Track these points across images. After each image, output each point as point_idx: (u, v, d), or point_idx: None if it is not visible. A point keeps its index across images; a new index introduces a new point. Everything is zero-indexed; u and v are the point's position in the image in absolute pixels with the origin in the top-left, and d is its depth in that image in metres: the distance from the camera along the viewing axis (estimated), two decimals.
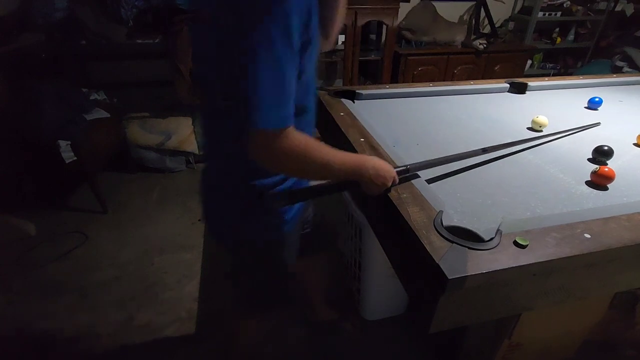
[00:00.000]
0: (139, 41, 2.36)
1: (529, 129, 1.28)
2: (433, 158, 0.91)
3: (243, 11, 0.59)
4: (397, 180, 0.82)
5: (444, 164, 0.93)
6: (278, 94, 0.61)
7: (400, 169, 0.84)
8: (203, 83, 0.77)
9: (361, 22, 2.56)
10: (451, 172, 1.00)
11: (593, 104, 1.47)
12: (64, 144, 1.97)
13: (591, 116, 1.41)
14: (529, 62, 3.51)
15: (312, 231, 1.13)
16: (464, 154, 0.97)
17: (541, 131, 1.26)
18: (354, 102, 1.40)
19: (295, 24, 0.59)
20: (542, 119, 1.24)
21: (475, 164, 1.04)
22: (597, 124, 1.30)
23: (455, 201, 0.86)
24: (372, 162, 0.78)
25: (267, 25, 0.57)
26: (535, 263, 0.64)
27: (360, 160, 0.77)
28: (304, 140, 0.67)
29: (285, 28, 0.58)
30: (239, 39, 0.60)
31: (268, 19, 0.57)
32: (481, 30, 3.16)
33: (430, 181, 0.92)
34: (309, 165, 0.69)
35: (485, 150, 1.00)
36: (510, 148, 1.09)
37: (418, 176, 0.89)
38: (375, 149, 1.01)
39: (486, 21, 3.14)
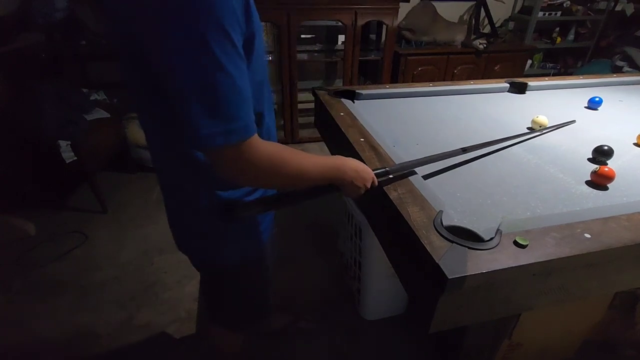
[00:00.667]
0: None
1: (529, 129, 1.28)
2: (413, 159, 0.91)
3: (157, 19, 0.47)
4: (377, 182, 0.80)
5: (423, 165, 0.92)
6: (232, 102, 0.52)
7: (379, 171, 0.82)
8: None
9: (361, 22, 2.56)
10: (451, 172, 1.00)
11: (593, 104, 1.47)
12: (64, 144, 1.97)
13: (591, 116, 1.41)
14: (529, 62, 3.51)
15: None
16: (443, 154, 0.96)
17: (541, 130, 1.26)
18: (353, 102, 1.40)
19: (229, 15, 0.49)
20: (542, 118, 1.25)
21: (475, 164, 1.05)
22: (572, 121, 1.31)
23: (455, 201, 0.86)
24: (351, 163, 0.75)
25: (193, 27, 0.47)
26: (535, 263, 0.64)
27: (338, 162, 0.73)
28: (273, 148, 0.60)
29: (217, 22, 0.47)
30: (165, 51, 0.49)
31: (191, 19, 0.46)
32: (481, 30, 3.17)
33: (430, 181, 0.92)
34: (284, 174, 0.63)
35: (465, 150, 0.99)
36: (494, 146, 1.10)
37: (396, 179, 0.88)
38: (375, 149, 1.01)
39: (486, 21, 3.14)
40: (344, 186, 0.75)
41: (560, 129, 1.28)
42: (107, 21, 0.57)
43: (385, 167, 0.84)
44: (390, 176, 0.85)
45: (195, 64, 0.49)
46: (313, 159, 0.68)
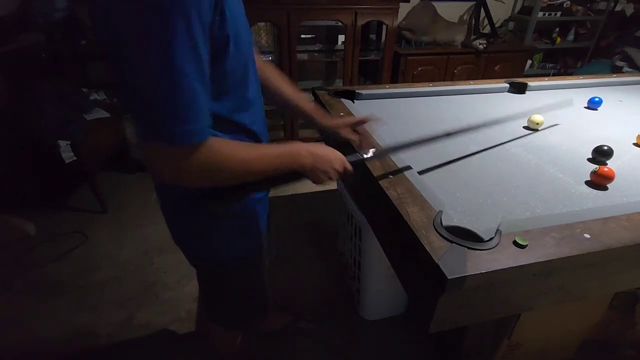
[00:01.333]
0: None
1: (525, 127, 1.28)
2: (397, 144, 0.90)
3: (124, 17, 0.49)
4: (350, 168, 0.79)
5: (406, 148, 0.90)
6: (180, 105, 0.52)
7: (352, 156, 0.80)
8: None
9: (361, 22, 2.56)
10: (451, 172, 1.00)
11: (593, 104, 1.47)
12: (64, 144, 1.97)
13: (591, 116, 1.41)
14: (529, 62, 3.51)
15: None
16: (426, 138, 0.91)
17: (538, 129, 1.26)
18: (353, 102, 1.40)
19: (194, 21, 0.49)
20: (537, 117, 1.25)
21: (475, 164, 1.05)
22: (570, 100, 1.31)
23: (455, 201, 0.86)
24: (306, 148, 0.73)
25: (155, 28, 0.48)
26: (535, 263, 0.64)
27: (293, 150, 0.72)
28: (217, 149, 0.59)
29: (178, 27, 0.48)
30: (128, 48, 0.51)
31: (152, 20, 0.48)
32: (481, 30, 3.17)
33: (429, 181, 0.92)
34: (228, 173, 0.63)
35: (449, 135, 0.95)
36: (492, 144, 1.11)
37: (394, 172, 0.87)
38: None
39: (486, 21, 3.14)
40: (306, 172, 0.74)
41: (559, 126, 1.28)
42: (92, 19, 0.57)
43: (360, 154, 0.82)
44: (367, 156, 0.83)
45: (152, 57, 0.50)
46: (267, 150, 0.68)
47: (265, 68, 0.89)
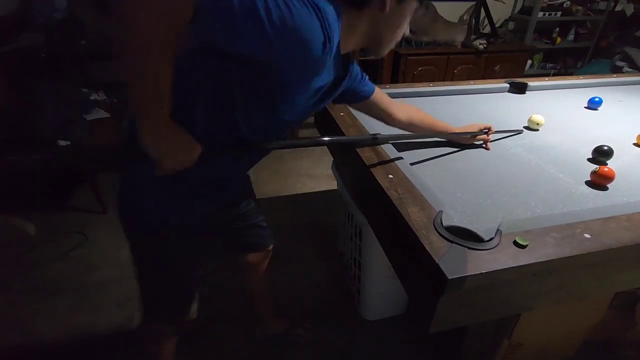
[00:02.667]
0: None
1: (525, 127, 1.28)
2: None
3: None
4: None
5: (304, 146, 0.91)
6: None
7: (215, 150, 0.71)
8: None
9: None
10: (451, 172, 1.00)
11: (593, 104, 1.47)
12: (64, 144, 1.97)
13: (591, 116, 1.41)
14: (529, 62, 3.51)
15: (247, 226, 1.11)
16: (351, 139, 1.00)
17: (538, 129, 1.26)
18: None
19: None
20: (538, 117, 1.25)
21: (475, 164, 1.05)
22: (520, 131, 1.25)
23: (455, 201, 0.86)
24: (164, 123, 0.60)
25: None
26: (535, 263, 0.64)
27: (157, 104, 0.58)
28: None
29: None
30: None
31: None
32: (481, 30, 3.16)
33: (430, 181, 0.92)
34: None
35: (375, 139, 0.98)
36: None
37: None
38: (374, 149, 1.01)
39: (486, 21, 3.14)
40: (149, 144, 0.62)
41: (559, 126, 1.28)
42: None
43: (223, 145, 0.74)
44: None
45: None
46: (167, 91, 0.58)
47: (415, 114, 1.06)
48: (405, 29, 0.78)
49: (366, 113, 1.05)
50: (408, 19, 0.77)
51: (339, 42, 0.68)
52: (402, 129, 1.07)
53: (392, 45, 0.81)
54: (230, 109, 0.68)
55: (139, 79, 0.55)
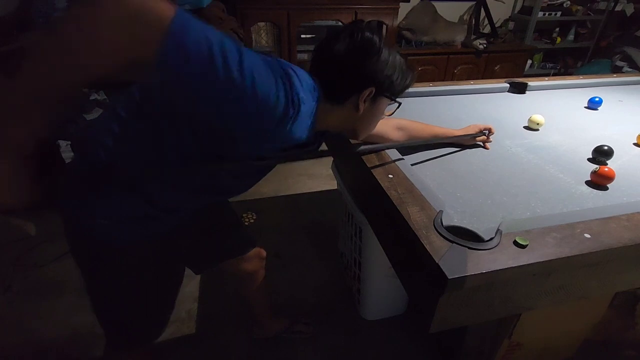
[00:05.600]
0: None
1: (525, 127, 1.28)
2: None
3: None
4: None
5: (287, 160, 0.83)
6: None
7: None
8: None
9: None
10: (451, 172, 1.00)
11: (593, 104, 1.47)
12: (64, 144, 1.97)
13: (591, 116, 1.41)
14: (529, 62, 3.51)
15: (225, 232, 1.06)
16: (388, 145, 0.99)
17: (538, 129, 1.26)
18: None
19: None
20: (538, 117, 1.25)
21: (475, 164, 1.05)
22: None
23: (455, 201, 0.86)
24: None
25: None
26: (535, 263, 0.64)
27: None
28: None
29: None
30: None
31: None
32: (481, 30, 3.17)
33: (430, 181, 0.92)
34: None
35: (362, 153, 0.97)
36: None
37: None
38: (374, 149, 1.01)
39: (486, 21, 3.14)
40: None
41: (559, 126, 1.28)
42: None
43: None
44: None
45: None
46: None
47: (412, 130, 1.06)
48: (379, 119, 0.84)
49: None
50: (382, 113, 0.81)
51: (315, 118, 0.67)
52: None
53: (367, 133, 0.85)
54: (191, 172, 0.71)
55: None
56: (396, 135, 1.02)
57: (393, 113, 0.87)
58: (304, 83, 0.62)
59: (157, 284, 0.88)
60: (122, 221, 0.74)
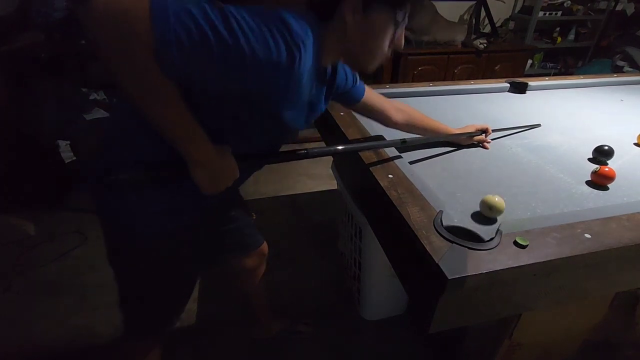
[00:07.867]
0: None
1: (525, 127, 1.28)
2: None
3: None
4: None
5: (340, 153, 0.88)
6: None
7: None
8: None
9: None
10: (451, 172, 1.00)
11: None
12: (63, 144, 1.97)
13: (592, 116, 1.41)
14: (530, 61, 3.50)
15: (235, 227, 1.08)
16: (378, 144, 0.97)
17: (494, 217, 0.78)
18: None
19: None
20: (492, 198, 0.76)
21: (476, 164, 1.04)
22: (538, 125, 1.28)
23: (455, 201, 0.85)
24: (207, 154, 0.63)
25: None
26: (535, 263, 0.63)
27: (203, 137, 0.61)
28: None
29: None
30: None
31: None
32: (481, 30, 3.16)
33: (430, 181, 0.92)
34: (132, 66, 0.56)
35: (404, 142, 0.96)
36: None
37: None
38: (374, 149, 1.01)
39: (486, 21, 3.13)
40: (192, 170, 0.64)
41: (559, 126, 1.28)
42: None
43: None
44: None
45: None
46: (183, 109, 0.57)
47: (413, 115, 1.06)
48: (383, 45, 0.71)
49: (363, 115, 1.06)
50: (384, 35, 0.70)
51: (318, 55, 0.66)
52: (401, 130, 1.06)
53: (372, 62, 0.75)
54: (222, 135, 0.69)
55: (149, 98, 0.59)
56: (396, 116, 1.02)
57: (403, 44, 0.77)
58: (299, 20, 0.60)
59: (181, 272, 0.91)
60: (156, 213, 0.76)
